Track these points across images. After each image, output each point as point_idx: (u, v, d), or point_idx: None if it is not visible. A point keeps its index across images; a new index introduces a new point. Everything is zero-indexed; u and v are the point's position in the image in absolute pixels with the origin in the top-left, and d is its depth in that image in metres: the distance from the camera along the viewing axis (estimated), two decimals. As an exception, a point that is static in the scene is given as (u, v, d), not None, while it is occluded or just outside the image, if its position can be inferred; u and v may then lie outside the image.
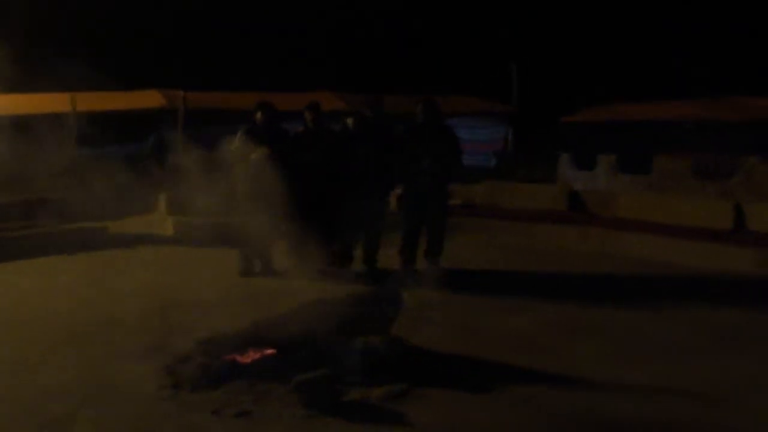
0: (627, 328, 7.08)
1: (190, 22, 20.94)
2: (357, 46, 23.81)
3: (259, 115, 9.20)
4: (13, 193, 11.52)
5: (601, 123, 18.58)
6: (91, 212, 12.24)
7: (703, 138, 16.07)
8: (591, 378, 5.63)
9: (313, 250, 9.14)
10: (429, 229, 9.30)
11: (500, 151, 19.80)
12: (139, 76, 15.73)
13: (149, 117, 15.67)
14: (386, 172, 9.11)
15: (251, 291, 8.43)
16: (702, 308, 7.80)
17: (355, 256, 9.36)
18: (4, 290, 8.63)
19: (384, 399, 5.17)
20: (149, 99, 15.91)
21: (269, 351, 5.82)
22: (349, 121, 9.35)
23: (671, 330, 7.00)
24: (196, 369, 5.66)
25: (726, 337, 6.82)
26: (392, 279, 7.54)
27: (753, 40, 22.78)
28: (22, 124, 13.63)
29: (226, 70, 19.39)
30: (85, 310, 7.60)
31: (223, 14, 22.37)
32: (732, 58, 22.17)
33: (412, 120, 9.39)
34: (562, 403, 5.15)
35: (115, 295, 8.28)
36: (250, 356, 5.77)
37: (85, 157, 14.03)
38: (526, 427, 4.77)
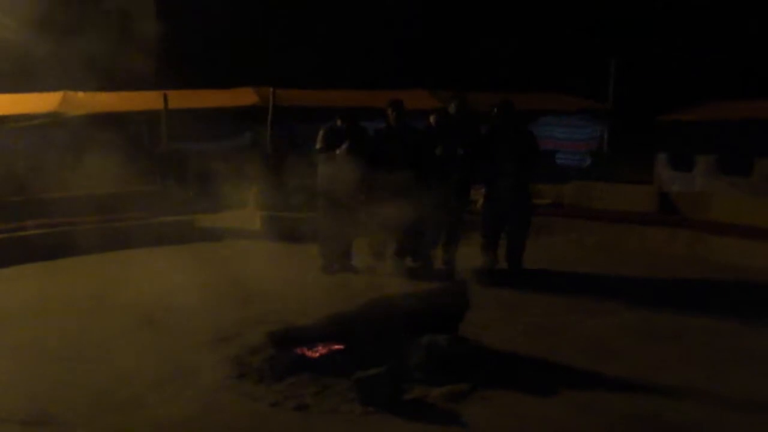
0: (706, 336, 6.80)
1: (284, 18, 21.23)
2: (453, 44, 23.73)
3: (390, 112, 9.26)
4: (106, 186, 11.86)
5: (700, 122, 18.01)
6: (182, 206, 12.57)
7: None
8: (660, 384, 5.47)
9: (392, 248, 9.20)
10: (510, 229, 9.21)
11: (595, 151, 19.41)
12: (231, 74, 16.02)
13: (243, 114, 15.93)
14: (466, 170, 9.04)
15: (329, 286, 8.50)
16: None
17: (434, 254, 9.30)
18: (90, 279, 8.94)
19: (444, 399, 5.14)
20: (242, 96, 16.18)
21: (337, 346, 5.85)
22: (432, 118, 9.32)
23: (754, 340, 6.72)
24: (263, 361, 5.75)
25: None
26: (466, 277, 7.46)
27: None
28: (117, 121, 14.12)
29: (319, 67, 19.57)
30: (165, 300, 7.78)
31: (315, 11, 22.58)
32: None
33: (492, 120, 9.30)
34: (625, 409, 5.02)
35: (195, 286, 8.41)
36: (318, 351, 5.81)
37: (178, 153, 14.39)
38: (585, 433, 4.65)
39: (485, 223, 9.31)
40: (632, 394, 5.28)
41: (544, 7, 24.94)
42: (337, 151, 8.94)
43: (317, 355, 5.77)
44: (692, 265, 9.99)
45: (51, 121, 14.43)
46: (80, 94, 15.49)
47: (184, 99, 15.02)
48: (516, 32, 24.63)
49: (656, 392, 5.33)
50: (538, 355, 6.13)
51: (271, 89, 15.17)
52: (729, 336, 6.80)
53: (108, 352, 6.15)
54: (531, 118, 17.82)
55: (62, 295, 8.10)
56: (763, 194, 13.71)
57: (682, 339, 6.68)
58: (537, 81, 20.23)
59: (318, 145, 9.18)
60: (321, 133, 9.20)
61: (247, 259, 10.04)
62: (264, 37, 20.14)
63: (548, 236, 11.43)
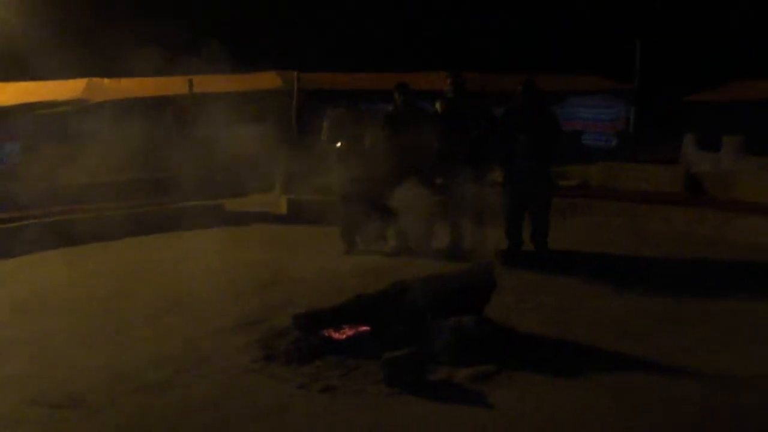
0: (733, 318, 6.71)
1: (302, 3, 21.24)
2: (475, 25, 23.62)
3: (397, 95, 9.29)
4: (133, 172, 11.97)
5: (728, 102, 17.86)
6: (210, 190, 12.65)
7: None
8: (684, 366, 5.43)
9: (413, 230, 9.22)
10: (532, 211, 9.18)
11: (622, 131, 19.31)
12: (256, 58, 16.05)
13: (269, 97, 15.98)
14: (480, 153, 9.02)
15: (353, 269, 8.52)
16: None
17: (457, 236, 9.30)
18: (118, 264, 9.04)
19: (470, 380, 5.16)
20: (266, 80, 16.23)
21: (363, 328, 5.89)
22: (437, 103, 9.31)
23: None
24: (290, 343, 5.80)
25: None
26: (490, 260, 7.46)
27: None
28: (145, 107, 14.21)
29: (342, 50, 19.55)
30: (192, 283, 7.87)
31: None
32: None
33: (513, 101, 9.27)
34: (651, 392, 5.00)
35: (222, 269, 8.53)
36: (345, 333, 5.86)
37: (205, 138, 14.46)
38: (609, 415, 4.65)
39: (506, 205, 9.28)
40: (658, 377, 5.26)
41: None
42: (338, 144, 9.00)
43: (343, 337, 5.82)
44: (719, 246, 9.90)
45: (76, 107, 14.55)
46: (105, 81, 15.61)
47: (208, 84, 15.09)
48: (542, 13, 24.48)
49: (683, 375, 5.30)
50: (563, 336, 6.12)
51: (296, 73, 15.21)
52: (755, 318, 6.73)
53: (135, 336, 6.24)
54: (557, 99, 17.76)
55: (89, 280, 8.20)
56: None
57: (709, 321, 6.62)
58: (563, 62, 20.11)
59: (323, 137, 9.23)
60: (325, 122, 9.24)
61: (273, 243, 10.13)
62: (285, 21, 20.17)
63: (574, 217, 11.39)
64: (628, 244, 9.96)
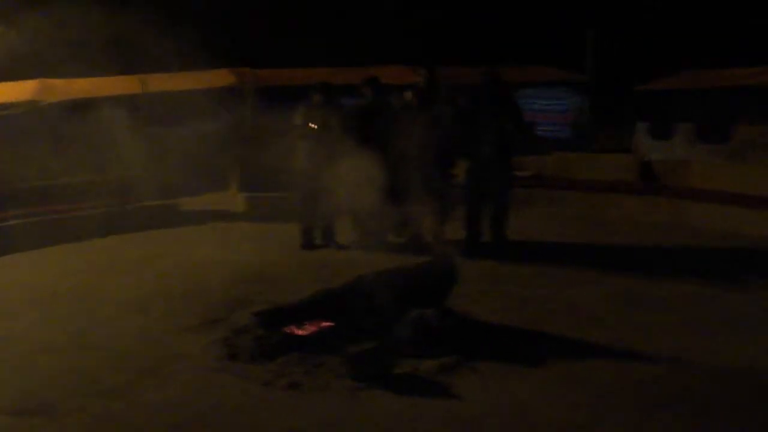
0: (689, 301, 6.90)
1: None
2: (431, 18, 23.63)
3: (366, 89, 9.30)
4: (87, 174, 11.81)
5: (679, 91, 18.11)
6: (164, 190, 12.53)
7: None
8: (645, 351, 5.53)
9: (374, 223, 9.22)
10: (493, 201, 9.24)
11: (576, 122, 19.49)
12: (209, 55, 15.92)
13: (222, 95, 15.88)
14: (446, 144, 9.05)
15: (313, 264, 8.53)
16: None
17: (417, 228, 9.32)
18: (77, 267, 8.89)
19: (434, 371, 5.18)
20: (220, 78, 16.12)
21: (326, 323, 5.88)
22: (408, 94, 9.33)
23: (737, 305, 6.80)
24: (253, 341, 5.78)
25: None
26: (451, 251, 7.50)
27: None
28: (95, 107, 14.02)
29: (296, 46, 19.47)
30: (150, 284, 7.82)
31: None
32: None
33: (476, 91, 9.32)
34: (612, 376, 5.09)
35: (180, 269, 8.48)
36: (307, 329, 5.83)
37: (158, 137, 14.33)
38: (574, 402, 4.70)
39: (467, 196, 9.34)
40: (621, 363, 5.35)
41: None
42: (314, 126, 8.98)
43: (306, 333, 5.79)
44: (673, 232, 10.09)
45: (28, 109, 14.33)
46: (57, 81, 15.38)
47: (161, 82, 14.96)
48: (495, 5, 24.56)
49: (644, 360, 5.39)
50: (525, 325, 6.18)
51: (250, 70, 15.13)
52: (712, 301, 6.89)
53: (99, 338, 6.14)
54: (512, 90, 17.84)
55: (50, 284, 8.05)
56: (741, 161, 13.84)
57: (667, 306, 6.77)
58: (516, 53, 20.20)
59: (296, 121, 9.20)
60: (299, 109, 9.23)
61: (231, 241, 10.08)
62: (241, 17, 20.04)
63: (530, 208, 11.49)
64: (585, 233, 10.10)
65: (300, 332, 5.80)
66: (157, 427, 4.53)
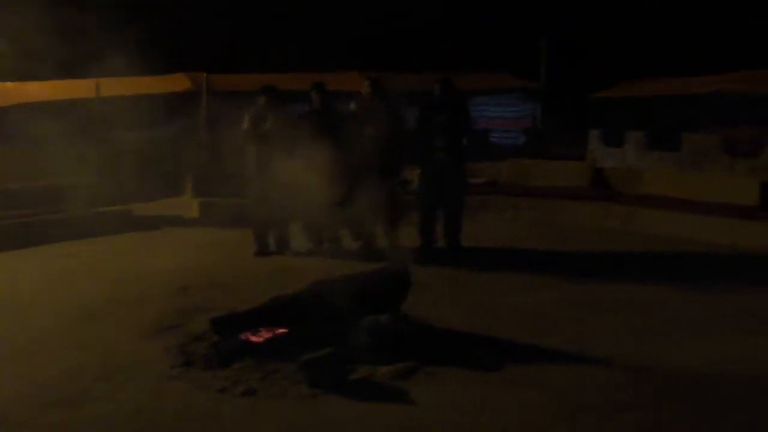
0: (644, 305, 7.05)
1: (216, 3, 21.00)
2: (387, 25, 23.70)
3: (314, 95, 9.29)
4: (40, 178, 11.67)
5: (630, 99, 18.40)
6: (118, 196, 12.42)
7: (735, 113, 15.84)
8: (598, 356, 5.62)
9: (327, 230, 9.26)
10: (446, 207, 9.31)
11: (529, 129, 19.68)
12: (165, 60, 15.82)
13: (178, 100, 15.78)
14: (395, 153, 9.09)
15: (268, 271, 8.52)
16: (723, 285, 7.75)
17: (370, 235, 9.34)
18: (29, 274, 8.78)
19: (390, 377, 5.22)
20: (175, 83, 16.02)
21: (281, 330, 5.87)
22: (352, 104, 9.36)
23: (689, 307, 6.97)
24: (208, 348, 5.77)
25: (745, 315, 6.75)
26: (405, 257, 7.54)
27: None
28: (49, 110, 13.85)
29: (252, 51, 19.41)
30: (104, 292, 7.72)
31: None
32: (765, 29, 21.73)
33: (430, 98, 9.38)
34: (567, 381, 5.15)
35: (134, 276, 8.41)
36: (263, 335, 5.83)
37: (112, 142, 14.19)
38: (528, 407, 4.76)
39: (421, 202, 9.41)
40: (574, 367, 5.43)
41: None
42: (261, 131, 8.97)
43: (261, 339, 5.78)
44: (625, 238, 10.26)
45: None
46: (8, 84, 15.17)
47: (116, 86, 14.81)
48: (450, 12, 24.70)
49: (598, 364, 5.47)
50: (480, 330, 6.22)
51: (205, 75, 15.06)
52: (664, 306, 7.04)
53: (52, 347, 6.05)
54: (466, 97, 17.94)
55: (1, 291, 7.95)
56: (691, 168, 14.11)
57: (620, 310, 6.89)
58: (470, 61, 20.35)
59: (244, 126, 9.18)
60: (247, 114, 9.21)
61: (186, 247, 10.02)
62: (197, 22, 19.93)
63: (485, 214, 11.61)
64: (538, 239, 10.23)
65: (255, 339, 5.79)
66: (111, 437, 4.50)
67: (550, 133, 18.87)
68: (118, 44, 10.71)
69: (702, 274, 8.25)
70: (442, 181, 9.15)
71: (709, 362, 5.51)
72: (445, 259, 8.89)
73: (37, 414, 4.77)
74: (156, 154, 13.24)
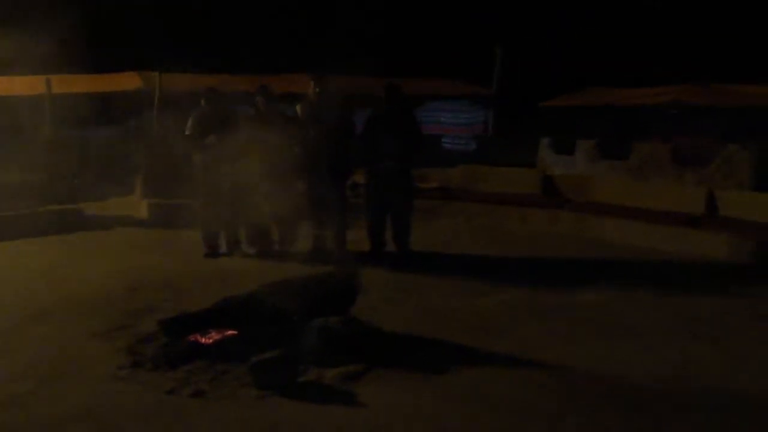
0: (589, 311, 7.13)
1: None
2: (340, 27, 23.74)
3: (259, 98, 9.28)
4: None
5: (581, 108, 18.65)
6: (68, 195, 12.29)
7: (684, 124, 16.16)
8: (543, 360, 5.70)
9: (275, 232, 9.27)
10: (394, 212, 9.36)
11: (481, 135, 19.85)
12: (116, 58, 15.72)
13: (128, 99, 15.65)
14: (342, 156, 9.12)
15: (217, 272, 8.47)
16: (668, 292, 7.89)
17: (319, 238, 9.35)
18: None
19: (339, 379, 5.25)
20: (126, 81, 15.88)
21: (230, 332, 5.87)
22: (298, 107, 9.37)
23: (634, 312, 7.09)
24: (157, 349, 5.75)
25: (688, 320, 6.88)
26: (354, 261, 7.59)
27: (736, 27, 22.85)
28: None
29: (204, 51, 19.31)
30: (53, 292, 7.64)
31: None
32: (714, 43, 22.22)
33: (377, 104, 9.43)
34: (510, 384, 5.23)
35: (84, 276, 8.33)
36: (212, 337, 5.82)
37: (62, 140, 14.03)
38: (473, 413, 4.80)
39: (369, 207, 9.45)
40: (518, 370, 5.51)
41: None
42: (206, 140, 8.94)
43: (211, 341, 5.78)
44: (574, 244, 10.37)
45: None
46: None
47: (67, 84, 14.66)
48: (404, 17, 24.82)
49: (542, 368, 5.55)
50: (429, 334, 6.28)
51: (157, 74, 14.94)
52: (609, 311, 7.13)
53: (-1, 347, 6.01)
54: (417, 102, 18.04)
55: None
56: (640, 177, 14.37)
57: (565, 315, 6.97)
58: (424, 66, 20.46)
59: (188, 132, 9.15)
60: (191, 118, 9.17)
61: (135, 248, 9.96)
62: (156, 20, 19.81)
63: (436, 219, 11.69)
64: (488, 244, 10.30)
65: (204, 340, 5.78)
66: (57, 437, 4.47)
67: (501, 140, 19.05)
68: (69, 40, 10.62)
69: (648, 280, 8.36)
70: (389, 187, 9.20)
71: (650, 369, 5.62)
72: (394, 263, 8.93)
73: (-23, 417, 4.73)
74: (106, 154, 13.13)
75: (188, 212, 10.32)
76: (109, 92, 15.35)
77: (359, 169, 9.76)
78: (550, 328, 6.57)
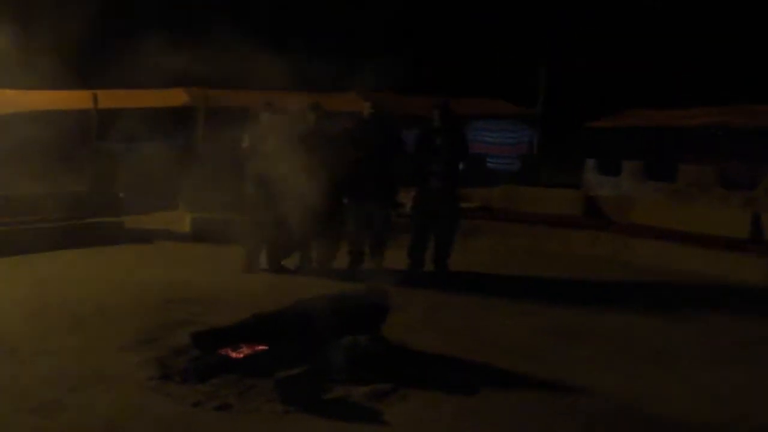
0: (622, 335, 7.07)
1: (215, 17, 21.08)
2: (387, 47, 23.81)
3: (310, 115, 9.33)
4: (35, 187, 11.69)
5: (627, 128, 18.46)
6: (111, 208, 12.46)
7: (731, 146, 15.91)
8: (574, 385, 5.63)
9: (318, 249, 9.28)
10: (437, 232, 9.36)
11: (525, 155, 19.76)
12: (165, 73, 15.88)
13: (176, 114, 15.85)
14: (388, 174, 9.13)
15: (255, 288, 8.50)
16: (706, 317, 7.80)
17: (361, 256, 9.37)
18: (18, 281, 8.80)
19: (365, 398, 5.23)
20: (173, 97, 16.07)
21: (261, 347, 5.90)
22: (351, 123, 9.42)
23: (669, 338, 7.02)
24: (187, 362, 5.79)
25: (725, 347, 6.79)
26: (389, 280, 7.57)
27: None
28: (47, 120, 13.91)
29: (257, 68, 19.44)
30: (88, 301, 7.75)
31: (252, 11, 22.43)
32: (762, 64, 21.90)
33: (428, 123, 9.43)
34: (539, 410, 5.16)
35: (120, 287, 8.43)
36: (243, 351, 5.85)
37: (109, 153, 14.25)
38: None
39: (413, 226, 9.46)
40: (547, 395, 5.44)
41: (478, 14, 25.23)
42: (259, 154, 9.00)
43: (241, 356, 5.81)
44: (613, 267, 10.28)
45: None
46: (8, 92, 15.23)
47: (114, 99, 14.88)
48: (451, 37, 24.84)
49: (571, 393, 5.49)
50: (460, 355, 6.25)
51: (205, 90, 15.12)
52: (643, 335, 7.07)
53: (33, 354, 6.08)
54: (463, 122, 18.02)
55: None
56: (686, 199, 14.14)
57: (599, 338, 6.90)
58: (470, 86, 20.44)
59: (244, 144, 9.23)
60: (247, 132, 9.25)
61: (174, 261, 10.05)
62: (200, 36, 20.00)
63: (475, 239, 11.63)
64: (526, 265, 10.25)
65: (235, 355, 5.81)
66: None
67: (546, 161, 18.95)
68: (119, 57, 10.78)
69: (687, 305, 8.27)
70: (436, 207, 9.21)
71: (680, 395, 5.54)
72: (431, 283, 8.92)
73: (11, 420, 4.81)
74: (152, 168, 13.27)
75: (231, 227, 10.41)
76: (155, 107, 15.52)
77: (406, 188, 9.78)
78: (581, 352, 6.50)
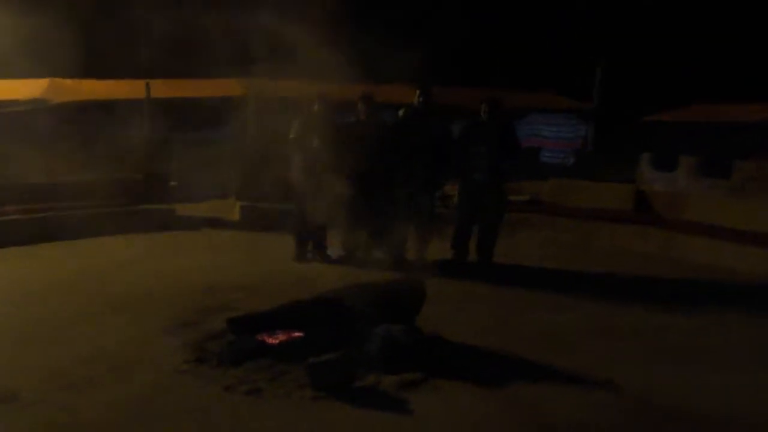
0: (665, 332, 6.93)
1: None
2: (443, 40, 23.74)
3: (360, 106, 9.39)
4: (88, 173, 11.94)
5: (683, 124, 18.20)
6: (163, 195, 12.68)
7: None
8: (604, 381, 5.53)
9: (364, 239, 9.30)
10: (482, 224, 9.32)
11: (579, 149, 19.59)
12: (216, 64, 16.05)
13: (231, 104, 16.02)
14: (435, 165, 9.10)
15: (297, 276, 8.58)
16: (753, 316, 7.58)
17: (400, 246, 9.36)
18: (67, 264, 9.02)
19: (396, 387, 5.23)
20: (225, 87, 16.24)
21: (297, 333, 5.94)
22: (400, 113, 9.41)
23: (713, 337, 6.83)
24: (223, 346, 5.86)
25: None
26: (428, 270, 7.56)
27: None
28: (102, 109, 14.19)
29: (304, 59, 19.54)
30: (132, 285, 7.94)
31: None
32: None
33: (476, 116, 9.39)
34: (567, 402, 5.12)
35: (164, 272, 8.58)
36: (278, 337, 5.90)
37: (161, 142, 14.46)
38: (528, 426, 4.76)
39: (458, 218, 9.45)
40: (580, 390, 5.36)
41: (535, 8, 25.04)
42: (309, 145, 9.05)
43: (276, 341, 5.85)
44: (661, 263, 10.10)
45: (36, 107, 14.50)
46: (67, 81, 15.56)
47: (167, 88, 15.10)
48: (509, 31, 24.69)
49: (604, 388, 5.41)
50: (494, 347, 6.19)
51: (255, 80, 15.24)
52: (687, 334, 6.89)
53: (73, 335, 6.25)
54: (519, 115, 17.94)
55: (37, 279, 8.20)
56: (742, 196, 13.86)
57: (639, 335, 6.79)
58: (525, 79, 20.32)
59: (292, 135, 9.29)
60: (297, 122, 9.31)
61: (220, 248, 10.19)
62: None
63: (522, 231, 11.56)
64: (573, 259, 10.14)
65: (270, 340, 5.86)
66: (115, 424, 4.62)
67: (600, 155, 18.76)
68: (171, 46, 10.93)
69: (734, 304, 8.03)
70: (481, 200, 9.18)
71: (720, 394, 5.43)
72: (473, 274, 8.88)
73: (47, 396, 4.96)
74: (203, 156, 13.44)
75: (280, 216, 10.51)
76: (207, 97, 15.72)
77: (452, 180, 9.77)
78: (620, 349, 6.38)
